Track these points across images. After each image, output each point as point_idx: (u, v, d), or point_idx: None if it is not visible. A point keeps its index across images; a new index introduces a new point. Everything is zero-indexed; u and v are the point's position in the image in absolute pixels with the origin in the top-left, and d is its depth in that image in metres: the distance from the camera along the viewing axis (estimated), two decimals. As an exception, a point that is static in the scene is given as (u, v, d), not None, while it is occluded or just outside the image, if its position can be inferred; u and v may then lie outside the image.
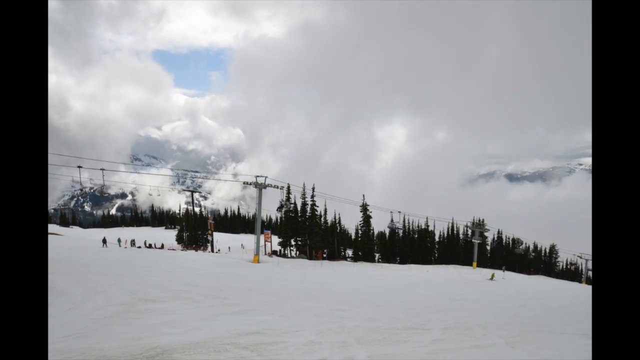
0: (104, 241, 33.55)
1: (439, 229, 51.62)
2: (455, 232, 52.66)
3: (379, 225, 51.37)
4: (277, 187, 33.80)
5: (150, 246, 43.75)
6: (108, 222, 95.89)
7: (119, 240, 40.99)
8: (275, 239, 44.06)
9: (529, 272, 52.17)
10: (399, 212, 43.91)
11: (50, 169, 25.82)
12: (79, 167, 26.50)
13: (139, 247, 41.52)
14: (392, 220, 44.08)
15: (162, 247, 45.98)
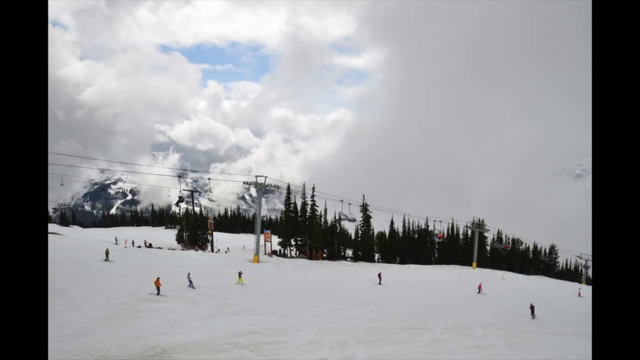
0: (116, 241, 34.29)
1: (439, 229, 51.56)
2: (455, 232, 52.64)
3: (379, 225, 51.38)
4: (277, 187, 33.79)
5: (150, 246, 43.69)
6: (108, 221, 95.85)
7: (116, 239, 40.91)
8: (275, 239, 43.99)
9: (528, 273, 52.09)
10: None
11: (65, 169, 25.89)
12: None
13: (139, 247, 41.45)
14: (342, 211, 38.65)
15: (173, 247, 45.88)
